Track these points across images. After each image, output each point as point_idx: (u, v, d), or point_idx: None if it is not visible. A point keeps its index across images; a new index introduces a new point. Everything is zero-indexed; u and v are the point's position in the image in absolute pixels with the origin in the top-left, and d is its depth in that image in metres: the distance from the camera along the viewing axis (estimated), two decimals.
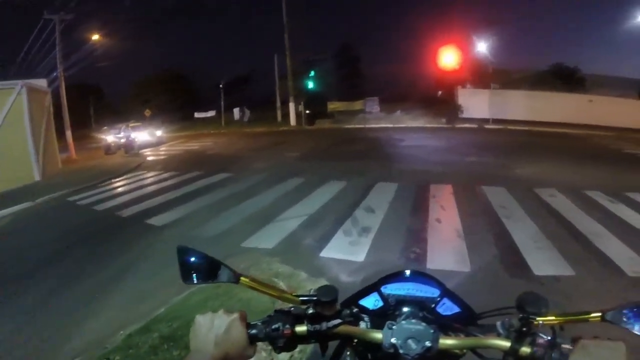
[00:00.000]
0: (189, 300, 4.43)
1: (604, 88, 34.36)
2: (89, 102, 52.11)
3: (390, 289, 1.20)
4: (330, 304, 1.10)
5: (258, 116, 41.46)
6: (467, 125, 27.98)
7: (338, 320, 1.10)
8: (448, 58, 28.39)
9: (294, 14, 34.22)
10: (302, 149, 17.74)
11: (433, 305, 1.16)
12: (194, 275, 1.14)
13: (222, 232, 7.05)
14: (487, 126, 27.58)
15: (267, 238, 6.50)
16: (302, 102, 32.89)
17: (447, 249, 5.87)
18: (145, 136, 26.66)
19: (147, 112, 37.59)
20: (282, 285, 4.74)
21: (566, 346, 0.92)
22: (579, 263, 5.34)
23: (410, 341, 0.99)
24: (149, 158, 20.01)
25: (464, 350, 1.07)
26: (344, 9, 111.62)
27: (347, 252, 5.79)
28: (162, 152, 22.15)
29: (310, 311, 1.12)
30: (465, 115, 30.32)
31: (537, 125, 27.11)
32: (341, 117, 35.28)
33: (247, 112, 42.55)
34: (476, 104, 30.04)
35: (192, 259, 1.15)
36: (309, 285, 4.82)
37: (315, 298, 1.11)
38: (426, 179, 10.44)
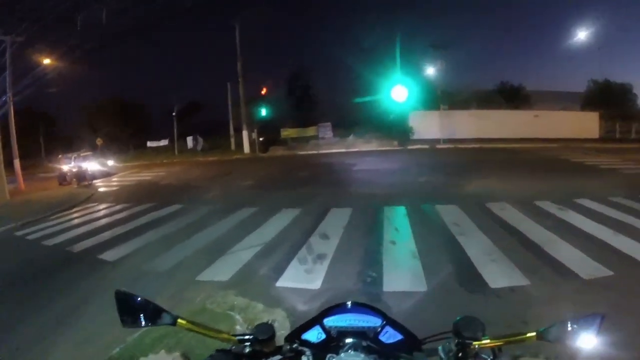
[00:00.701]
0: (144, 338, 4.23)
1: (548, 103, 36.37)
2: (39, 129, 50.18)
3: (332, 321, 1.21)
4: (267, 341, 1.13)
5: (212, 145, 41.18)
6: (419, 146, 28.60)
7: (278, 357, 1.13)
8: (398, 93, 29.18)
9: (247, 41, 34.39)
10: (256, 177, 17.66)
11: (375, 335, 1.17)
12: (133, 319, 1.13)
13: (176, 265, 6.84)
14: (438, 146, 28.34)
15: (222, 270, 6.36)
16: (255, 130, 32.84)
17: (403, 270, 5.89)
18: (97, 166, 25.59)
19: (99, 141, 37.13)
20: (238, 318, 4.62)
21: None
22: (533, 272, 5.51)
23: None
24: (101, 189, 19.39)
25: None
26: (297, 38, 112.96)
27: (303, 280, 5.73)
28: (114, 183, 21.50)
29: (248, 350, 1.14)
30: (416, 136, 31.05)
31: (487, 142, 28.09)
32: (294, 143, 35.64)
33: (201, 141, 42.12)
34: (427, 126, 30.85)
35: (131, 303, 1.14)
36: (265, 316, 4.72)
37: (252, 336, 1.14)
38: (380, 201, 10.54)
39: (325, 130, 37.20)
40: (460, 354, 1.05)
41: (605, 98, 38.10)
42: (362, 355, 1.06)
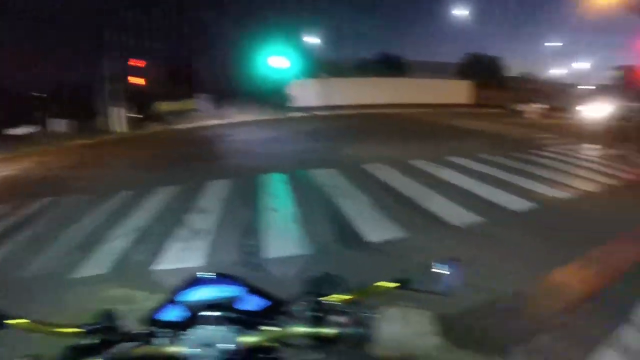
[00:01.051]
0: None
1: (424, 72, 38.34)
2: None
3: (186, 296, 1.10)
4: (114, 328, 1.05)
5: (85, 126, 37.98)
6: (298, 114, 28.82)
7: (131, 343, 1.03)
8: (276, 62, 29.12)
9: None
10: (133, 157, 16.63)
11: (233, 304, 1.08)
12: None
13: (48, 266, 6.20)
14: (317, 113, 28.73)
15: (98, 263, 5.94)
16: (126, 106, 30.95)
17: (284, 237, 6.01)
18: None
19: None
20: (122, 309, 4.28)
21: (372, 318, 0.90)
22: (410, 224, 5.84)
23: (208, 348, 0.96)
24: None
25: (276, 344, 1.04)
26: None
27: (185, 260, 5.59)
28: None
29: (98, 340, 1.03)
30: (297, 105, 31.24)
31: (366, 108, 28.98)
32: (172, 117, 34.01)
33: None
34: (306, 94, 31.18)
35: None
36: (151, 304, 4.41)
37: (98, 326, 1.04)
38: (259, 171, 10.54)
39: (204, 103, 36.32)
40: (318, 312, 0.98)
41: (477, 69, 41.29)
42: (224, 327, 0.99)
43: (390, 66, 41.72)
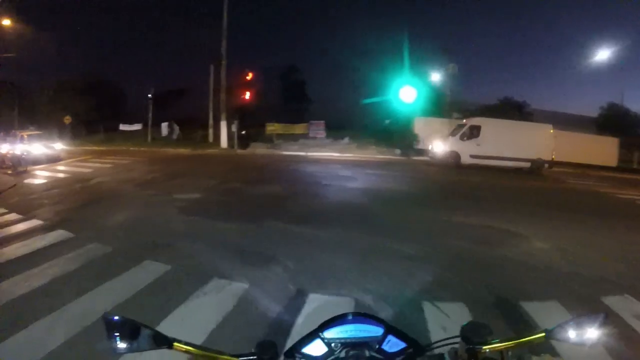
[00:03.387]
0: None
1: (556, 124, 32.06)
2: (15, 101, 44.93)
3: (333, 333, 1.17)
4: (270, 359, 1.11)
5: (188, 134, 36.44)
6: (425, 157, 24.33)
7: None
8: (406, 94, 25.40)
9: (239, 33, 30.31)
10: (209, 187, 12.88)
11: (378, 345, 1.15)
12: (125, 344, 1.01)
13: None
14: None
15: None
16: (236, 122, 28.20)
17: None
18: (41, 149, 21.40)
19: (67, 119, 34.99)
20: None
21: None
22: None
23: None
24: (29, 180, 15.02)
25: None
26: (293, 31, 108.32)
27: None
28: (48, 174, 16.79)
29: None
30: (421, 146, 26.87)
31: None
32: (280, 141, 31.02)
33: (177, 129, 37.58)
34: (434, 135, 26.67)
35: (121, 327, 1.01)
36: None
37: (254, 357, 1.11)
38: (408, 286, 5.39)
39: (318, 129, 32.98)
40: (469, 359, 1.05)
41: (620, 124, 34.97)
42: None
43: (513, 113, 35.51)
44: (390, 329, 1.15)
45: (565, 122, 33.48)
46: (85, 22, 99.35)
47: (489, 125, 22.88)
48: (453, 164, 21.92)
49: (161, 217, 9.03)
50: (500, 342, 1.05)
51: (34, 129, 26.62)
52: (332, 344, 1.14)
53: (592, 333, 1.00)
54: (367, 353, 1.11)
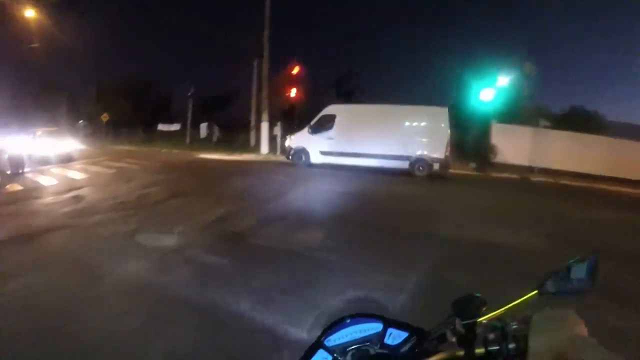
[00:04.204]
0: None
1: (629, 136, 26.28)
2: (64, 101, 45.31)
3: (334, 340, 1.11)
4: None
5: (230, 137, 33.00)
6: (504, 174, 19.71)
7: None
8: (485, 93, 21.13)
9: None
10: (206, 222, 8.27)
11: (381, 340, 1.11)
12: None
13: None
14: (533, 178, 19.28)
15: None
16: (279, 124, 24.37)
17: None
18: (52, 148, 19.71)
19: (104, 117, 34.63)
20: None
21: (519, 330, 0.92)
22: None
23: None
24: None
25: None
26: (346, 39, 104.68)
27: None
28: (35, 179, 13.94)
29: None
30: (498, 159, 22.26)
31: (595, 180, 19.24)
32: None
33: (216, 130, 34.27)
34: (513, 146, 22.05)
35: None
36: None
37: None
38: None
39: None
40: (471, 334, 0.99)
41: None
42: None
43: (581, 124, 29.58)
44: (389, 322, 1.10)
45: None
46: (130, 23, 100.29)
47: (346, 113, 18.61)
48: (303, 163, 18.65)
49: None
50: (494, 310, 1.01)
51: (83, 124, 27.53)
52: (336, 351, 1.08)
53: (584, 278, 0.97)
54: (371, 351, 1.07)
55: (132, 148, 29.54)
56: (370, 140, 17.68)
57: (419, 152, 17.33)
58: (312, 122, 18.88)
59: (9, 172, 15.24)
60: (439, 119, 17.33)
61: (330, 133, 18.17)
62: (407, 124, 17.77)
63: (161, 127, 40.88)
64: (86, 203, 9.89)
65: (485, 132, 23.36)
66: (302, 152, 18.81)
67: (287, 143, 19.70)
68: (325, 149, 18.27)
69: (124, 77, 47.52)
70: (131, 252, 6.40)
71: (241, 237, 7.46)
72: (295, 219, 8.82)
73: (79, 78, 77.72)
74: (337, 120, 18.27)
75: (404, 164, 17.43)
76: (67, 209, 9.28)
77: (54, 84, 45.45)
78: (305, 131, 19.00)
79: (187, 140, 32.65)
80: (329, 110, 18.95)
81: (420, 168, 17.30)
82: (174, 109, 49.17)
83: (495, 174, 19.52)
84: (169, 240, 7.05)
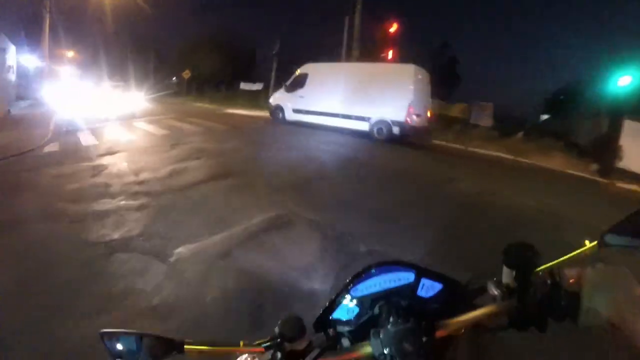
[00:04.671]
0: None
1: None
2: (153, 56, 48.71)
3: (361, 290, 0.99)
4: (299, 337, 0.92)
5: None
6: (633, 186, 15.70)
7: (316, 352, 0.92)
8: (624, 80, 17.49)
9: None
10: (247, 233, 5.02)
11: (413, 292, 1.00)
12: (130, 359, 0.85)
13: None
14: None
15: None
16: None
17: None
18: (126, 101, 20.35)
19: (186, 74, 35.64)
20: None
21: (571, 286, 0.87)
22: None
23: (405, 344, 0.85)
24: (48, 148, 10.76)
25: (462, 329, 0.95)
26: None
27: None
28: (86, 139, 12.19)
29: (280, 355, 0.90)
30: (623, 164, 18.21)
31: None
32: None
33: None
34: None
35: (122, 342, 0.85)
36: None
37: (279, 339, 0.90)
38: None
39: (483, 115, 24.98)
40: (522, 285, 0.91)
41: None
42: (412, 320, 0.88)
43: None
44: (422, 272, 0.99)
45: None
46: None
47: (318, 72, 18.13)
48: (280, 121, 18.88)
49: None
50: (551, 261, 0.92)
51: (176, 81, 28.87)
52: (363, 302, 0.96)
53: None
54: (402, 303, 0.95)
55: (210, 105, 29.42)
56: (335, 99, 17.07)
57: (379, 114, 16.01)
58: (289, 81, 18.95)
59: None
60: (404, 79, 15.79)
61: (302, 91, 18.11)
62: (371, 83, 16.46)
63: (243, 85, 40.77)
64: (100, 178, 7.68)
65: (614, 129, 19.28)
66: (279, 109, 19.07)
67: (270, 100, 20.07)
68: (297, 107, 18.34)
69: (210, 34, 48.62)
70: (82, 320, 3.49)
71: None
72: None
73: (167, 34, 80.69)
74: (308, 78, 18.12)
75: (365, 126, 16.40)
76: (70, 186, 7.11)
77: (142, 38, 48.06)
78: (282, 89, 19.28)
79: (270, 99, 31.43)
80: (304, 68, 18.74)
81: (379, 131, 16.03)
82: (260, 68, 49.39)
83: (621, 184, 15.59)
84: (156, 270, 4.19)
